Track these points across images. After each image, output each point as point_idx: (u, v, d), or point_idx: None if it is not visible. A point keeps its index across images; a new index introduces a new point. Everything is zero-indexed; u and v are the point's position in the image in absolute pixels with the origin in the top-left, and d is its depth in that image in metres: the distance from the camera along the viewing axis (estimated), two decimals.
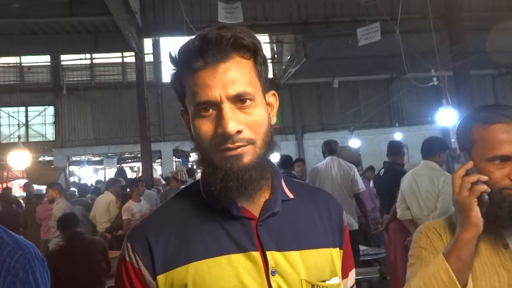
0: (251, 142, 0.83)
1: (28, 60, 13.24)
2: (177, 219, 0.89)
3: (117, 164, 13.42)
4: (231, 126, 0.79)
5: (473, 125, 1.15)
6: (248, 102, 0.83)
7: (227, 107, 0.81)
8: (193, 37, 0.84)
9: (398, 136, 12.43)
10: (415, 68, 8.70)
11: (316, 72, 12.45)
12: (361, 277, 3.71)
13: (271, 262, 0.84)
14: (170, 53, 0.88)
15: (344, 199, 4.71)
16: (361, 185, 4.96)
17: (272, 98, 0.93)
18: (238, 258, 0.83)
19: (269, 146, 0.86)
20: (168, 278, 0.83)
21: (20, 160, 6.66)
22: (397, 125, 13.83)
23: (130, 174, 13.96)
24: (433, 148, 3.85)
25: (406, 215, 3.84)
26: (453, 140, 11.63)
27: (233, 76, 0.82)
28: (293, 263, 0.85)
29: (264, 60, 0.89)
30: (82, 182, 12.59)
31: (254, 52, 0.86)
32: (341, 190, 4.82)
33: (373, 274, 3.93)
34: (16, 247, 1.10)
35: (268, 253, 0.84)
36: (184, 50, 0.85)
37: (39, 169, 7.36)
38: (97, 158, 13.95)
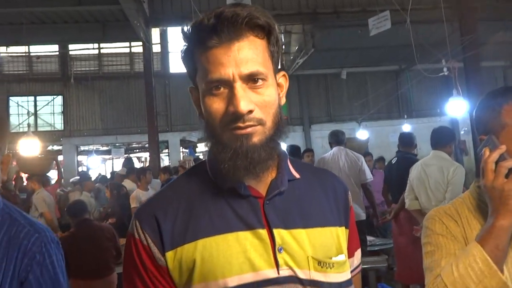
0: (261, 122, 0.83)
1: (36, 49, 13.29)
2: (184, 197, 0.89)
3: (125, 154, 13.48)
4: (243, 105, 0.79)
5: (502, 106, 1.09)
6: (260, 82, 0.83)
7: (239, 86, 0.81)
8: (207, 13, 0.82)
9: (406, 128, 12.33)
10: (425, 58, 8.58)
11: (324, 63, 12.34)
12: (368, 266, 3.71)
13: (278, 240, 0.84)
14: (182, 29, 0.87)
15: (351, 189, 4.61)
16: (368, 175, 4.94)
17: (282, 79, 0.93)
18: (245, 236, 0.84)
19: (278, 127, 0.86)
20: (177, 255, 0.84)
21: (30, 148, 6.70)
22: (405, 116, 13.73)
23: (137, 164, 14.03)
24: (443, 138, 3.81)
25: (414, 205, 3.82)
26: (462, 132, 11.53)
27: (246, 55, 0.81)
28: (300, 240, 0.86)
29: (277, 40, 0.88)
30: (84, 171, 12.61)
31: (268, 32, 0.86)
32: (349, 180, 4.80)
33: (381, 263, 3.93)
34: (32, 230, 1.11)
35: (275, 231, 0.85)
36: (198, 26, 0.84)
37: (29, 158, 7.36)
38: (105, 148, 14.03)
